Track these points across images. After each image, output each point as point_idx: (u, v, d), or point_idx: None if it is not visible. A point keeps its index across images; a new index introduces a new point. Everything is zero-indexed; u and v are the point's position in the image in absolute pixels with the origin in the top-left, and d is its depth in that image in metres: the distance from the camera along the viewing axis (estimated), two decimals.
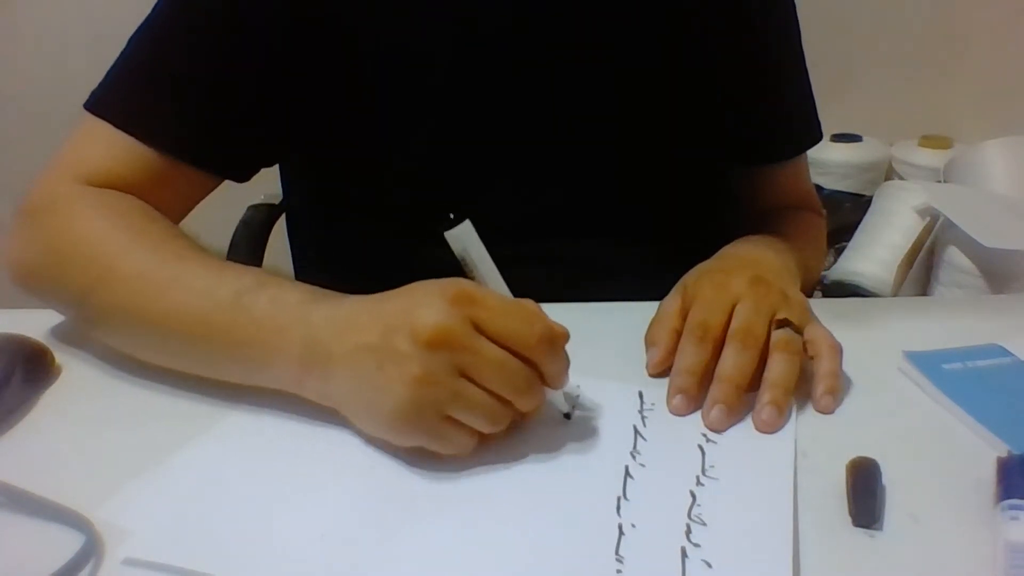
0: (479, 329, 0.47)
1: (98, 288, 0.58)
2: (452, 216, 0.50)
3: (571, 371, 0.59)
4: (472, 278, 0.51)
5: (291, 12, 0.67)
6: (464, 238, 0.50)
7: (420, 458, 0.50)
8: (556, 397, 0.54)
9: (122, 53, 0.68)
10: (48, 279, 0.62)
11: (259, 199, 1.06)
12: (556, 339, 0.49)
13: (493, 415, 0.49)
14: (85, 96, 0.67)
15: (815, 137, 0.85)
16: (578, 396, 0.56)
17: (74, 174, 0.64)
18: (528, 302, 0.50)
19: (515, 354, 0.48)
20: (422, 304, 0.48)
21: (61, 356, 0.61)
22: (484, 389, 0.48)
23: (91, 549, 0.43)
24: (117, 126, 0.65)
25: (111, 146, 0.65)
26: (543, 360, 0.49)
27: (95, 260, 0.59)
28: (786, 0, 0.79)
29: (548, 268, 0.74)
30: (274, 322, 0.52)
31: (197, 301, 0.55)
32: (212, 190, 0.71)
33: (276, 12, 0.67)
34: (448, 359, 0.47)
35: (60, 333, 0.64)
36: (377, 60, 0.68)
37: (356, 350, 0.49)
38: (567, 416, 0.54)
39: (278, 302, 0.53)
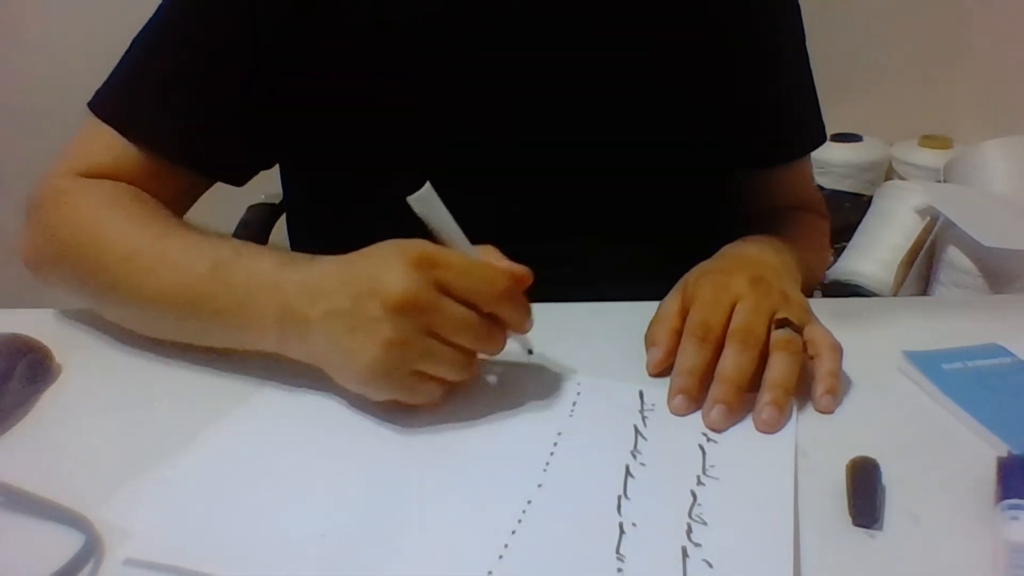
0: (443, 290, 0.51)
1: (96, 272, 0.62)
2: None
3: (572, 370, 0.60)
4: (437, 240, 0.53)
5: (288, 11, 0.67)
6: (426, 201, 0.52)
7: (401, 420, 0.54)
8: (519, 338, 0.58)
9: (124, 55, 0.69)
10: (53, 266, 0.65)
11: (259, 199, 1.06)
12: (516, 291, 0.53)
13: (460, 366, 0.53)
14: (85, 96, 0.69)
15: (819, 139, 0.85)
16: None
17: (75, 170, 0.68)
18: (490, 252, 0.55)
19: (478, 310, 0.52)
20: (387, 269, 0.51)
21: (61, 356, 0.61)
22: (450, 344, 0.52)
23: (91, 549, 0.43)
24: (114, 128, 0.67)
25: (110, 146, 0.68)
26: (504, 311, 0.53)
27: (90, 245, 0.62)
28: (791, 2, 0.79)
29: (550, 268, 0.74)
30: (249, 289, 0.56)
31: (180, 277, 0.58)
32: (204, 191, 0.73)
33: (272, 13, 0.67)
34: (416, 321, 0.50)
35: (60, 333, 0.64)
36: (374, 50, 0.69)
37: (329, 315, 0.52)
38: (530, 352, 0.59)
39: (252, 270, 0.57)
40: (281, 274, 0.55)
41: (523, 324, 0.55)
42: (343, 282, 0.53)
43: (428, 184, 0.52)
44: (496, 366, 0.60)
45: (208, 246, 0.59)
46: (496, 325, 0.53)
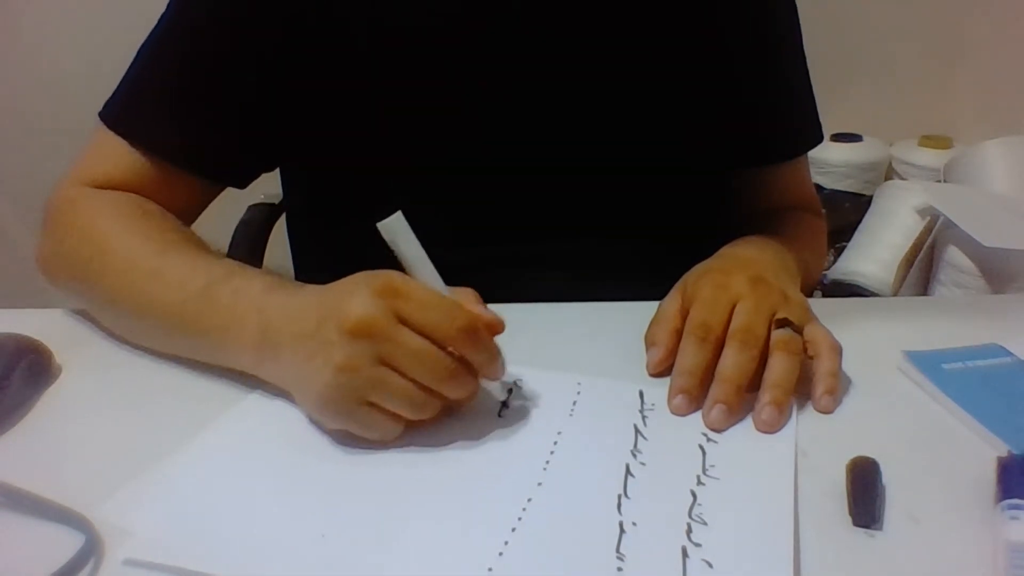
0: (402, 320, 0.49)
1: (97, 282, 0.63)
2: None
3: (572, 370, 0.60)
4: (403, 270, 0.53)
5: (292, 18, 0.68)
6: (394, 229, 0.52)
7: (357, 446, 0.52)
8: (492, 387, 0.56)
9: (131, 65, 0.71)
10: (62, 274, 0.66)
11: (259, 199, 1.06)
12: (477, 331, 0.51)
13: (414, 402, 0.50)
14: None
15: (816, 138, 0.85)
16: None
17: (85, 180, 0.69)
18: (466, 294, 0.53)
19: (440, 345, 0.50)
20: (350, 294, 0.50)
21: (61, 356, 0.61)
22: (407, 378, 0.50)
23: (91, 549, 0.43)
24: (122, 136, 0.69)
25: (118, 155, 0.69)
26: (466, 350, 0.51)
27: (93, 256, 0.63)
28: (788, 2, 0.79)
29: (550, 268, 0.74)
30: (235, 310, 0.56)
31: (172, 293, 0.59)
32: (213, 198, 0.74)
33: (276, 20, 0.68)
34: (369, 348, 0.49)
35: (60, 333, 0.64)
36: (377, 50, 0.69)
37: (296, 337, 0.52)
38: (504, 404, 0.56)
39: (240, 292, 0.57)
40: (265, 299, 0.56)
41: (489, 368, 0.53)
42: (314, 306, 0.52)
43: (399, 212, 0.52)
44: None
45: (203, 266, 0.60)
46: (462, 366, 0.51)
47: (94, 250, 0.63)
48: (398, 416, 0.51)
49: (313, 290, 0.55)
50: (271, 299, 0.55)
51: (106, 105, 0.70)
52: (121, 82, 0.71)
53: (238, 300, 0.57)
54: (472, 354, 0.51)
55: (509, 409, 0.56)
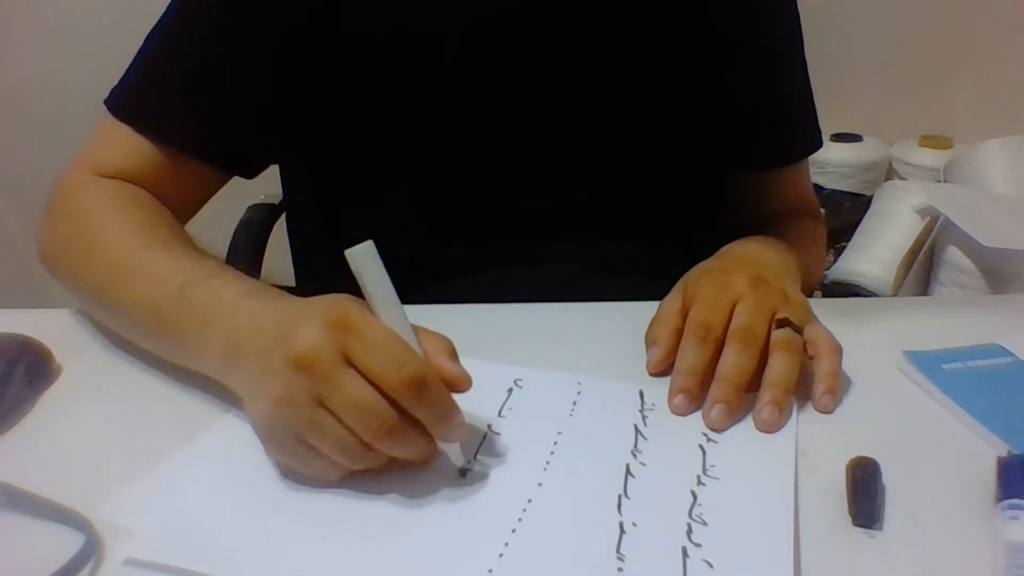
0: (349, 360, 0.45)
1: (85, 272, 0.62)
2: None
3: (572, 370, 0.59)
4: (369, 303, 0.48)
5: (304, 12, 0.67)
6: (361, 259, 0.47)
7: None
8: (449, 449, 0.49)
9: (138, 52, 0.70)
10: (56, 263, 0.66)
11: (259, 199, 1.06)
12: (424, 383, 0.45)
13: (348, 452, 0.45)
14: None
15: (816, 143, 0.85)
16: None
17: (90, 168, 0.68)
18: (437, 341, 0.48)
19: (387, 394, 0.45)
20: (306, 321, 0.46)
21: (61, 356, 0.61)
22: (343, 424, 0.45)
23: (91, 549, 0.43)
24: (129, 124, 0.68)
25: (124, 143, 0.68)
26: (410, 404, 0.45)
27: (83, 246, 0.63)
28: (791, 5, 0.79)
29: (550, 268, 0.74)
30: (207, 314, 0.54)
31: (152, 289, 0.57)
32: (219, 188, 0.73)
33: (284, 6, 0.67)
34: (308, 385, 0.45)
35: (60, 333, 0.64)
36: (385, 48, 0.69)
37: (255, 353, 0.49)
38: (461, 473, 0.49)
39: (217, 294, 0.54)
40: (240, 304, 0.53)
41: (438, 427, 0.46)
42: (276, 323, 0.49)
43: (370, 242, 0.47)
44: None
45: (186, 264, 0.58)
46: (406, 423, 0.45)
47: (85, 240, 0.63)
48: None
49: (285, 303, 0.52)
50: (245, 305, 0.53)
51: (113, 94, 0.69)
52: (128, 71, 0.70)
53: (213, 302, 0.54)
54: (417, 409, 0.45)
55: (468, 477, 0.49)
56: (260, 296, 0.53)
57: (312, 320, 0.46)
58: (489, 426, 0.54)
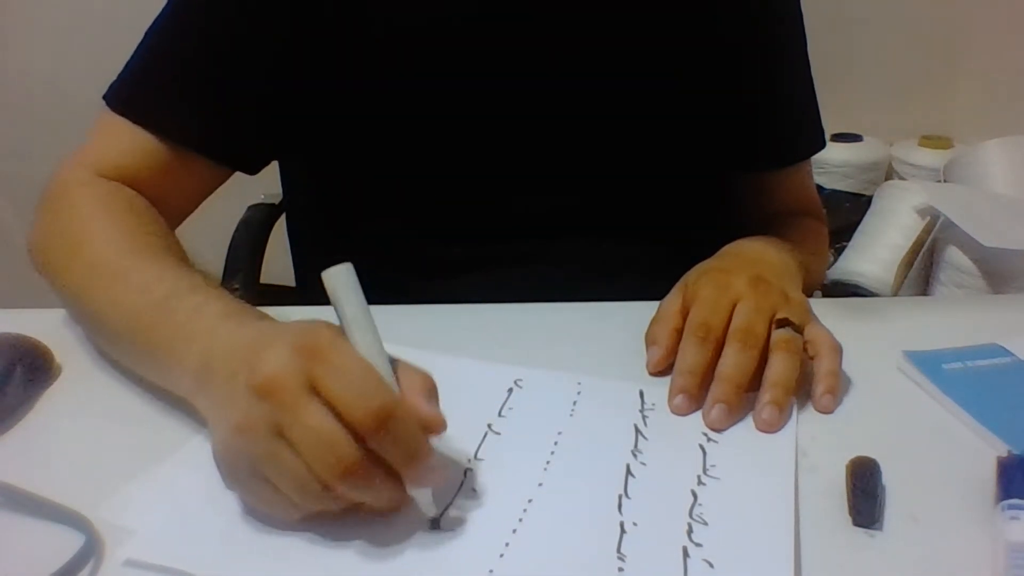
0: (314, 389, 0.41)
1: (67, 272, 0.61)
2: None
3: (572, 370, 0.59)
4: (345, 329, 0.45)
5: (304, 9, 0.67)
6: (338, 281, 0.44)
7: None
8: (420, 495, 0.44)
9: (137, 48, 0.69)
10: (42, 259, 0.65)
11: (259, 199, 1.06)
12: (391, 418, 0.41)
13: (304, 490, 0.41)
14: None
15: (819, 143, 0.85)
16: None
17: (87, 165, 0.67)
18: (415, 376, 0.44)
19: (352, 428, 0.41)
20: (274, 345, 0.43)
21: (61, 356, 0.61)
22: (302, 459, 0.41)
23: (91, 549, 0.43)
24: (128, 118, 0.67)
25: (123, 139, 0.67)
26: (375, 440, 0.41)
27: (68, 245, 0.62)
28: (794, 5, 0.79)
29: (551, 268, 0.74)
30: (186, 331, 0.51)
31: (132, 297, 0.55)
32: (219, 184, 0.73)
33: (287, 8, 0.67)
34: (268, 414, 0.41)
35: (60, 333, 0.64)
36: (384, 46, 0.69)
37: (223, 377, 0.46)
38: (433, 523, 0.45)
39: (199, 311, 0.52)
40: (219, 324, 0.50)
41: (408, 469, 0.42)
42: (247, 347, 0.45)
43: (348, 264, 0.44)
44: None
45: (171, 276, 0.56)
46: (369, 463, 0.41)
47: (70, 240, 0.62)
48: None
49: (263, 326, 0.49)
50: (224, 325, 0.50)
51: (111, 90, 0.69)
52: (126, 67, 0.69)
53: (195, 318, 0.51)
54: (382, 446, 0.41)
55: (440, 530, 0.45)
56: (239, 317, 0.51)
57: (280, 344, 0.42)
58: (489, 426, 0.54)
